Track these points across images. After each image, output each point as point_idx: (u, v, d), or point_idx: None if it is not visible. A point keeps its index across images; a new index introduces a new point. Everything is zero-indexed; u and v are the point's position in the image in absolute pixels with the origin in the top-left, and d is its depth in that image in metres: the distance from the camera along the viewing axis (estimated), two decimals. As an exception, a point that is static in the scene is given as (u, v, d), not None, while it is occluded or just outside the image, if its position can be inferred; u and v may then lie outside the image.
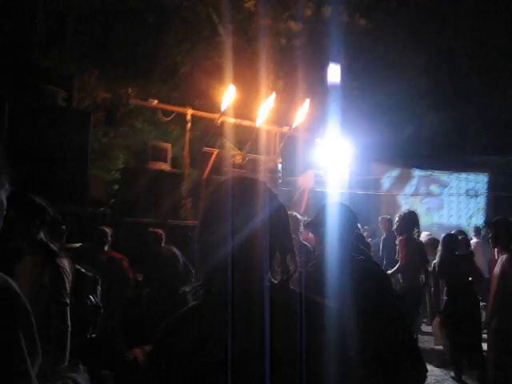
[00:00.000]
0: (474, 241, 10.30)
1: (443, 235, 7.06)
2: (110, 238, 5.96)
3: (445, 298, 6.65)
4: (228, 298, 1.42)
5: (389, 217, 9.56)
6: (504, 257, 5.16)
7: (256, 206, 1.45)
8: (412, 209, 8.25)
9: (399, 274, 7.15)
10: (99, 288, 4.78)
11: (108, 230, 5.98)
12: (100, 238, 5.92)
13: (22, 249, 3.74)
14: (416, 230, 7.11)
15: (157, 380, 1.50)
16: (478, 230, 11.19)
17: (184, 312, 1.55)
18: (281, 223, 1.50)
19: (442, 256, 6.70)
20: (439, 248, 6.79)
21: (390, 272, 7.01)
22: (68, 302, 3.70)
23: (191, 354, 1.44)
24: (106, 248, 5.94)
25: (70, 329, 3.68)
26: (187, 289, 1.57)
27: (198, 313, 1.51)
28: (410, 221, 7.05)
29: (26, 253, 3.68)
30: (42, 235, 3.70)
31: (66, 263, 3.71)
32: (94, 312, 4.62)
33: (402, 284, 7.06)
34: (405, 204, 14.89)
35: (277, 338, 1.41)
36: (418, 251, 6.98)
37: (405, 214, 7.29)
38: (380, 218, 9.92)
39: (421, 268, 7.06)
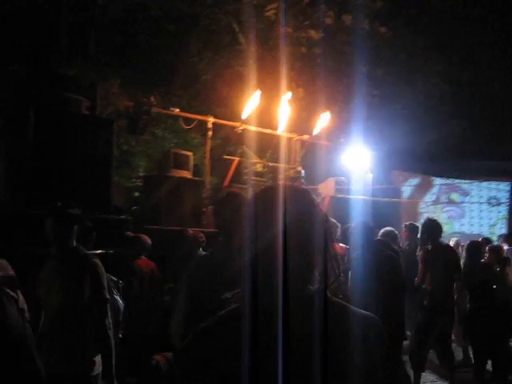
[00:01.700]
0: (506, 248, 10.11)
1: (468, 243, 6.97)
2: (148, 247, 6.01)
3: (468, 306, 6.58)
4: (261, 306, 1.43)
5: (412, 222, 9.33)
6: None
7: (299, 214, 1.45)
8: (433, 217, 8.06)
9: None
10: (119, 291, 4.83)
11: (147, 239, 6.02)
12: (138, 245, 5.96)
13: (49, 254, 3.83)
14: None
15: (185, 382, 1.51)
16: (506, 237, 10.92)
17: (219, 317, 1.56)
18: (323, 232, 1.50)
19: (465, 264, 6.62)
20: (463, 255, 6.71)
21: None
22: (108, 297, 3.78)
23: (221, 359, 1.45)
24: (142, 256, 5.99)
25: (109, 325, 3.76)
26: (229, 295, 1.58)
27: (232, 318, 1.52)
28: (430, 230, 6.84)
29: (58, 258, 3.77)
30: (74, 242, 3.82)
31: (99, 263, 3.82)
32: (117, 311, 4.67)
33: (429, 300, 6.76)
34: (425, 212, 14.79)
35: (305, 346, 1.41)
36: (441, 262, 6.61)
37: (424, 222, 7.13)
38: (404, 225, 9.82)
39: (448, 279, 6.67)
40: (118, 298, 4.76)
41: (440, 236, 6.82)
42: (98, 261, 3.85)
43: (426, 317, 6.67)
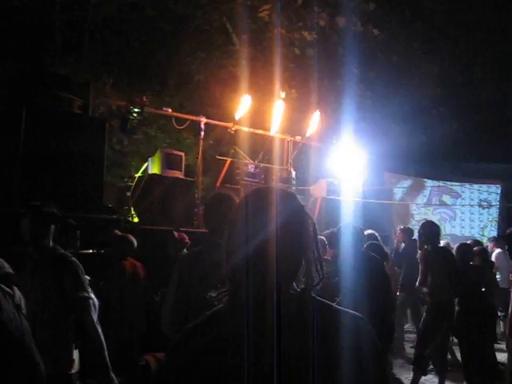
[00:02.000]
0: (498, 251, 10.19)
1: (457, 245, 7.02)
2: (134, 247, 5.99)
3: (457, 308, 6.60)
4: (249, 305, 1.45)
5: (408, 226, 9.46)
6: None
7: (284, 216, 1.48)
8: (429, 219, 8.14)
9: (424, 290, 6.97)
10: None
11: (133, 239, 6.00)
12: (125, 245, 5.94)
13: (26, 254, 3.82)
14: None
15: (174, 382, 1.52)
16: (497, 240, 11.00)
17: (206, 316, 1.58)
18: (308, 235, 1.53)
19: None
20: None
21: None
22: (88, 295, 3.77)
23: (209, 358, 1.46)
24: (128, 257, 5.97)
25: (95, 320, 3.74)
26: (213, 294, 1.60)
27: (219, 318, 1.54)
28: (429, 231, 6.88)
29: (34, 258, 3.76)
30: (50, 241, 3.80)
31: (76, 262, 3.80)
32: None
33: (427, 300, 6.84)
34: (417, 214, 14.85)
35: (293, 346, 1.43)
36: (440, 263, 6.66)
37: (423, 224, 7.20)
38: (399, 228, 9.91)
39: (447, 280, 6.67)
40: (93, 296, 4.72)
41: (439, 238, 6.90)
42: (75, 259, 3.82)
43: (428, 317, 6.72)
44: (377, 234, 6.54)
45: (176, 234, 6.48)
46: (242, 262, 1.46)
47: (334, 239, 4.30)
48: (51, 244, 3.85)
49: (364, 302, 3.40)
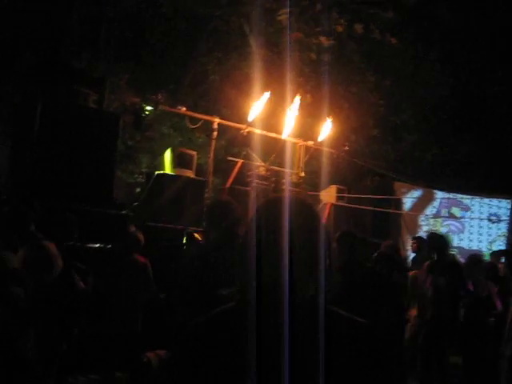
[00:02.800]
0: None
1: (467, 257, 6.94)
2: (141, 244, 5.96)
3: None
4: (258, 307, 1.46)
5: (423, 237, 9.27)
6: None
7: (298, 225, 1.50)
8: (435, 230, 7.98)
9: None
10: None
11: (141, 236, 5.98)
12: (132, 242, 5.90)
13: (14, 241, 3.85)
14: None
15: (178, 380, 1.54)
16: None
17: (213, 315, 1.59)
18: (320, 243, 1.54)
19: None
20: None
21: None
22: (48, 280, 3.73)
23: (214, 357, 1.47)
24: (136, 253, 5.95)
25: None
26: (224, 292, 1.61)
27: (227, 317, 1.56)
28: (433, 244, 6.76)
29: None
30: (32, 228, 3.84)
31: (50, 247, 3.78)
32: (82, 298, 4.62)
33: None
34: (425, 225, 14.76)
35: (300, 350, 1.43)
36: (446, 275, 6.40)
37: (428, 236, 7.11)
38: (412, 237, 9.82)
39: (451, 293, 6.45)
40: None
41: (447, 250, 6.79)
42: (46, 243, 3.81)
43: (427, 329, 6.64)
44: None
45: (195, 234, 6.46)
46: (255, 266, 1.48)
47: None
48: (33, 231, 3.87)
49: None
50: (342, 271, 5.00)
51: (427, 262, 6.70)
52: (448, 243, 6.85)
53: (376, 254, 6.04)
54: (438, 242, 6.74)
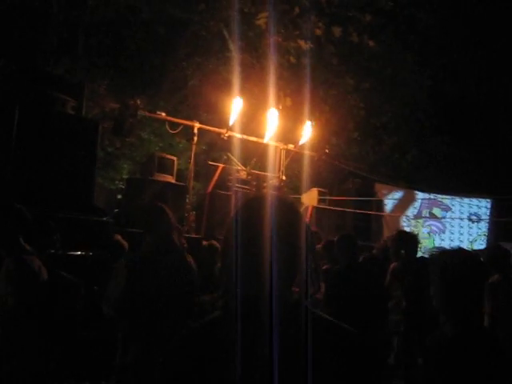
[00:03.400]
0: None
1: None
2: (126, 250, 5.91)
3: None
4: (243, 314, 1.45)
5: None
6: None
7: (281, 226, 1.47)
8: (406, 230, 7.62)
9: None
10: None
11: (125, 243, 5.93)
12: (116, 249, 5.86)
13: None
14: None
15: None
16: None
17: (203, 323, 1.58)
18: (304, 245, 1.52)
19: None
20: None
21: None
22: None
23: (205, 365, 1.46)
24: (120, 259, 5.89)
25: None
26: (206, 298, 1.60)
27: (215, 325, 1.54)
28: (399, 243, 6.40)
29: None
30: (20, 240, 3.76)
31: (33, 262, 3.72)
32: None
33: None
34: (407, 226, 14.86)
35: (285, 355, 1.42)
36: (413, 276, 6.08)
37: (394, 235, 6.88)
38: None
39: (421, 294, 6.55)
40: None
41: (415, 249, 6.62)
42: (30, 258, 3.75)
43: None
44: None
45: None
46: (237, 270, 1.46)
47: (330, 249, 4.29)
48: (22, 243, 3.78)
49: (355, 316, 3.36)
50: (343, 276, 4.90)
51: (393, 265, 6.51)
52: (416, 241, 6.66)
53: (366, 256, 5.96)
54: (406, 240, 6.52)
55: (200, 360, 1.48)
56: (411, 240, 6.51)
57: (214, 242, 6.33)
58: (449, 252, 2.49)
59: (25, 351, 3.58)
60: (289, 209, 1.55)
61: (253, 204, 1.54)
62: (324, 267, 5.97)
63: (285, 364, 1.42)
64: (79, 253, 6.10)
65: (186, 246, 5.82)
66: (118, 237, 6.08)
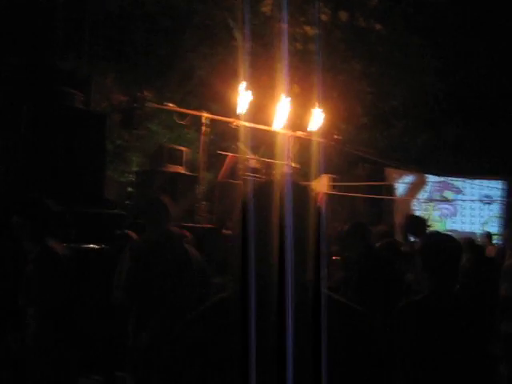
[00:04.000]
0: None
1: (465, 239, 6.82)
2: None
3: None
4: (255, 294, 1.45)
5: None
6: None
7: (295, 210, 1.48)
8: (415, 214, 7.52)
9: None
10: None
11: (134, 235, 5.95)
12: (125, 242, 5.88)
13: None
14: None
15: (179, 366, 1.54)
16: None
17: (212, 303, 1.61)
18: (317, 230, 1.53)
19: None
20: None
21: None
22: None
23: (214, 344, 1.48)
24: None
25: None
26: (217, 280, 1.64)
27: (225, 305, 1.56)
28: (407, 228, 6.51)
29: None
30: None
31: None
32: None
33: None
34: (418, 210, 14.81)
35: (298, 337, 1.43)
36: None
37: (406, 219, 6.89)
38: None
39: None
40: None
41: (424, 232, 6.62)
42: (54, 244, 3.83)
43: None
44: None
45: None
46: (250, 252, 1.47)
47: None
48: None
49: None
50: (356, 265, 4.86)
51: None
52: (425, 225, 6.72)
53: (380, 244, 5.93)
54: (415, 224, 6.54)
55: (206, 340, 1.49)
56: (420, 224, 6.54)
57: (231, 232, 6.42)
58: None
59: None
60: (301, 192, 1.56)
61: (265, 188, 1.55)
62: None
63: (297, 344, 1.42)
64: (91, 246, 6.15)
65: (189, 236, 5.82)
66: (127, 230, 6.10)
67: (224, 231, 6.47)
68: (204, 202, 9.07)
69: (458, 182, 15.26)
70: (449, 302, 2.81)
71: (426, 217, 13.53)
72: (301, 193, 1.55)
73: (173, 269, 4.08)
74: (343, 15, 12.64)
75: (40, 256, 3.67)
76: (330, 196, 10.53)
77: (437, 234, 3.67)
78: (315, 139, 10.80)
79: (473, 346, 2.72)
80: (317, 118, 10.35)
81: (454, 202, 15.33)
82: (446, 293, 2.82)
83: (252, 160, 9.73)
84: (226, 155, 9.55)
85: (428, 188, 15.27)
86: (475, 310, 2.88)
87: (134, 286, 4.12)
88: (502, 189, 15.46)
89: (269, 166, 9.88)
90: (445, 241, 2.96)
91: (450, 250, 2.90)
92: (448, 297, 2.82)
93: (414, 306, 2.86)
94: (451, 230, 14.50)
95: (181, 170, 8.64)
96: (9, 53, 9.70)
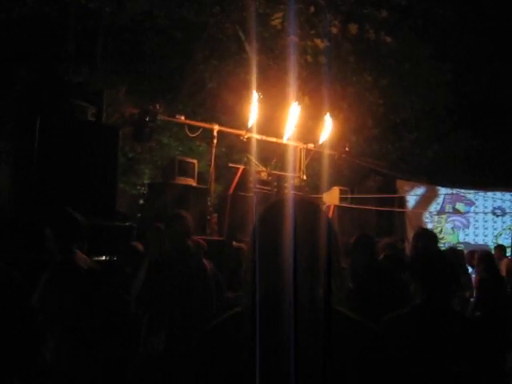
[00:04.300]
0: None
1: (481, 252, 6.73)
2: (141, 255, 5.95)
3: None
4: (267, 310, 1.47)
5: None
6: None
7: (306, 227, 1.51)
8: (425, 227, 7.35)
9: None
10: None
11: (140, 247, 5.97)
12: (133, 254, 5.90)
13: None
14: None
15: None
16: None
17: (225, 318, 1.62)
18: (330, 246, 1.55)
19: (482, 276, 6.35)
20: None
21: None
22: None
23: (228, 358, 1.50)
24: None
25: None
26: (230, 295, 1.67)
27: (237, 320, 1.58)
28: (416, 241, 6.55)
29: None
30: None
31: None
32: None
33: None
34: (430, 222, 14.73)
35: (308, 351, 1.44)
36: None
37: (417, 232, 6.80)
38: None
39: None
40: None
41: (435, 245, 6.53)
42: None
43: None
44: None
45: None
46: (262, 270, 1.49)
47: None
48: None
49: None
50: (359, 278, 4.81)
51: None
52: (434, 238, 6.59)
53: (383, 256, 5.90)
54: (423, 237, 6.44)
55: (220, 354, 1.51)
56: (429, 237, 6.45)
57: (241, 245, 6.41)
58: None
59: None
60: (312, 209, 1.59)
61: (276, 205, 1.58)
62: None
63: (305, 358, 1.43)
64: (103, 258, 6.17)
65: (205, 249, 5.84)
66: (135, 242, 6.13)
67: (234, 244, 6.47)
68: (215, 215, 9.07)
69: (470, 195, 15.18)
70: (438, 314, 2.81)
71: (438, 229, 13.49)
72: (311, 209, 1.58)
73: (191, 282, 4.16)
74: (353, 28, 12.68)
75: (63, 267, 3.72)
76: (340, 208, 10.49)
77: (429, 246, 3.84)
78: (326, 151, 10.80)
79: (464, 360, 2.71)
80: (327, 130, 10.35)
81: (466, 214, 15.24)
82: (437, 305, 2.83)
83: (263, 172, 9.72)
84: (237, 168, 9.55)
85: (440, 200, 15.19)
86: (471, 325, 2.92)
87: (153, 297, 4.18)
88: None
89: (280, 179, 9.87)
90: (433, 253, 3.00)
91: (438, 262, 2.93)
92: (438, 309, 2.82)
93: (402, 318, 2.89)
94: (464, 243, 14.43)
95: (192, 182, 8.65)
96: (22, 66, 9.82)
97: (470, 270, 8.38)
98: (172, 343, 4.10)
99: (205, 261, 4.55)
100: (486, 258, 6.70)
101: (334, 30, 12.43)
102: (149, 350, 4.23)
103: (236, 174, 9.40)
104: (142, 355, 4.31)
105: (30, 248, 4.13)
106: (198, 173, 9.16)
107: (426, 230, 6.80)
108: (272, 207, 1.59)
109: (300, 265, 1.46)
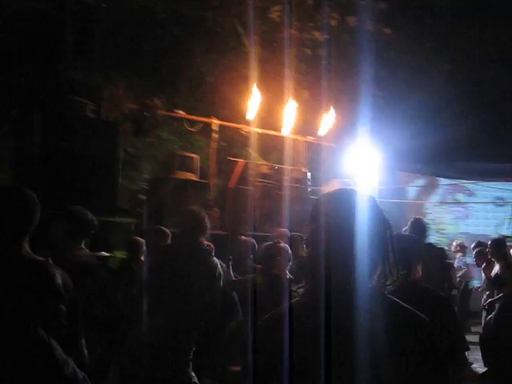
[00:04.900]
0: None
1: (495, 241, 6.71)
2: (144, 249, 5.96)
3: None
4: (326, 299, 1.56)
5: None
6: None
7: (364, 219, 1.60)
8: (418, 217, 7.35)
9: None
10: None
11: (142, 241, 5.98)
12: (134, 248, 5.91)
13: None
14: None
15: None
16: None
17: (286, 307, 1.69)
18: (385, 237, 1.65)
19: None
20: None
21: None
22: None
23: (291, 345, 1.57)
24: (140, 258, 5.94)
25: None
26: (294, 288, 1.75)
27: (298, 309, 1.66)
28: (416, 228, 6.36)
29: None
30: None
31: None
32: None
33: None
34: (430, 213, 14.75)
35: (365, 338, 1.52)
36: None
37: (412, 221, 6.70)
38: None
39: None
40: None
41: (423, 235, 6.50)
42: None
43: None
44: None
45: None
46: (322, 260, 1.57)
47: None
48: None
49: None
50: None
51: None
52: (426, 228, 6.56)
53: None
54: (417, 227, 6.41)
55: (279, 342, 1.58)
56: (419, 227, 6.46)
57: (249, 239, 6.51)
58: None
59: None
60: (371, 203, 1.67)
61: (335, 199, 1.66)
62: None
63: (362, 344, 1.51)
64: (105, 254, 6.18)
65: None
66: (135, 237, 6.15)
67: (240, 237, 6.51)
68: (215, 209, 9.07)
69: (470, 185, 15.19)
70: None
71: (439, 220, 13.48)
72: (370, 202, 1.67)
73: (204, 280, 4.18)
74: (351, 20, 12.64)
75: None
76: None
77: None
78: (326, 144, 10.79)
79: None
80: (327, 123, 10.34)
81: (466, 205, 15.25)
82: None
83: (263, 166, 9.72)
84: (237, 161, 9.55)
85: (440, 191, 15.20)
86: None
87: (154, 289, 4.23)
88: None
89: (280, 172, 9.87)
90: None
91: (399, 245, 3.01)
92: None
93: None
94: (465, 233, 14.45)
95: (192, 176, 8.65)
96: (20, 63, 9.80)
97: (469, 260, 8.40)
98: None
99: (217, 260, 4.60)
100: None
101: (333, 23, 12.39)
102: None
103: (236, 168, 9.41)
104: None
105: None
106: (199, 167, 9.16)
107: (419, 219, 6.78)
108: (331, 198, 1.67)
109: (361, 255, 1.54)
